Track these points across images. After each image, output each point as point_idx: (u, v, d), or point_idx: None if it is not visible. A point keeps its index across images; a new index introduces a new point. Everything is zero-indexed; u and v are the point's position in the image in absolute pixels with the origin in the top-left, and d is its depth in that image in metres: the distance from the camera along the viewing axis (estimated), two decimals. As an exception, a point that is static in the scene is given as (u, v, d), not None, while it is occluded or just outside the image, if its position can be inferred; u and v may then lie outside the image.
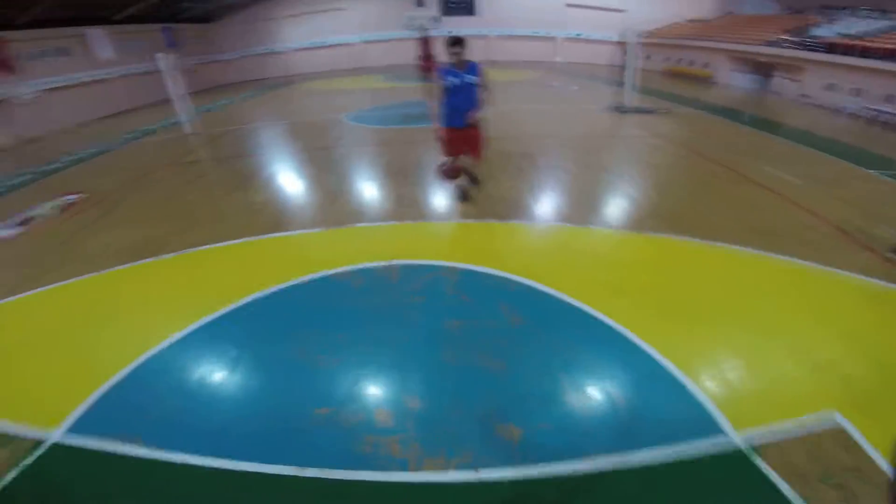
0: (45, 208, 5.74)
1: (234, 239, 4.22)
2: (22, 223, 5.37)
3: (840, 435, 2.03)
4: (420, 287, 3.32)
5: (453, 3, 25.59)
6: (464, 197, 4.78)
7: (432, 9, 25.17)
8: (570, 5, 24.34)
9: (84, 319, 3.35)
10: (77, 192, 6.16)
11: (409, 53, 24.32)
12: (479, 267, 3.57)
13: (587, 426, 2.23)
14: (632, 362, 2.59)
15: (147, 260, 4.01)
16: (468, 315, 3.01)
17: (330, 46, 26.07)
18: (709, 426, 2.15)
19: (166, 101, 11.66)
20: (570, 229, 4.36)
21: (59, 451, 2.25)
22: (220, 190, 5.92)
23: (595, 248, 4.03)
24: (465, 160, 4.45)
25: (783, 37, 17.32)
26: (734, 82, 18.16)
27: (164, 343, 2.95)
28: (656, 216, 4.50)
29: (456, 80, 4.06)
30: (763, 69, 17.56)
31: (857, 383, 2.31)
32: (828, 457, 1.92)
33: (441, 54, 3.92)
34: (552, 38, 24.98)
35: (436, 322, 2.95)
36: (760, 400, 2.31)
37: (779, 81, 17.13)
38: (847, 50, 15.08)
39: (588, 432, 2.19)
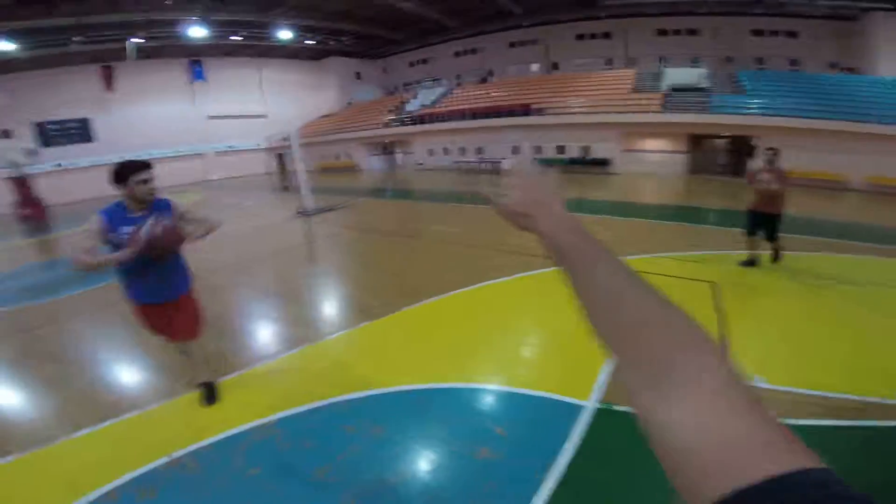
0: None
1: None
2: None
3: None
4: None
5: (57, 130, 21.14)
6: (209, 396, 3.19)
7: (24, 140, 20.03)
8: (212, 117, 24.38)
9: None
10: None
11: (-1, 201, 18.29)
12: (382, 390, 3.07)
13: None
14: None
15: None
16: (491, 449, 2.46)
17: None
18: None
19: None
20: (339, 337, 4.06)
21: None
22: None
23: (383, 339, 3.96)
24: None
25: (389, 117, 22.09)
26: (372, 165, 22.10)
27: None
28: (405, 293, 4.77)
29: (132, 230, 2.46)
30: (386, 148, 22.58)
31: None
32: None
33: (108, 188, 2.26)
34: (201, 155, 24.08)
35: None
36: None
37: (399, 156, 22.30)
38: (428, 118, 20.36)
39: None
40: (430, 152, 20.72)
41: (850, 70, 17.12)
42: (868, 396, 2.79)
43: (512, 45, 25.08)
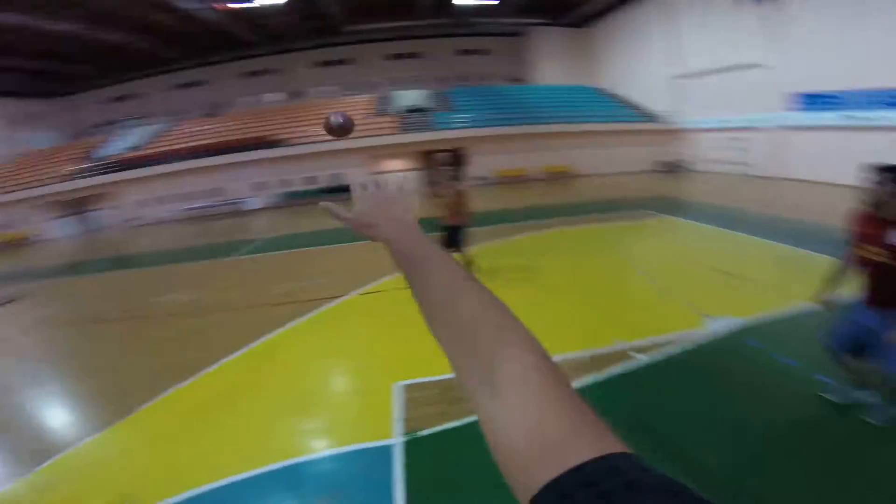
0: None
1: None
2: None
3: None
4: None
5: None
6: None
7: None
8: None
9: None
10: None
11: None
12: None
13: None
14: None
15: None
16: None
17: None
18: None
19: None
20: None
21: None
22: None
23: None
24: None
25: (77, 166, 17.02)
26: (55, 232, 15.93)
27: None
28: (126, 396, 3.50)
29: None
30: (77, 206, 16.64)
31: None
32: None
33: None
34: None
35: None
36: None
37: (99, 213, 16.86)
38: (137, 162, 16.40)
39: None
40: (148, 203, 16.83)
41: (522, 81, 21.89)
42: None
43: (249, 74, 23.27)
